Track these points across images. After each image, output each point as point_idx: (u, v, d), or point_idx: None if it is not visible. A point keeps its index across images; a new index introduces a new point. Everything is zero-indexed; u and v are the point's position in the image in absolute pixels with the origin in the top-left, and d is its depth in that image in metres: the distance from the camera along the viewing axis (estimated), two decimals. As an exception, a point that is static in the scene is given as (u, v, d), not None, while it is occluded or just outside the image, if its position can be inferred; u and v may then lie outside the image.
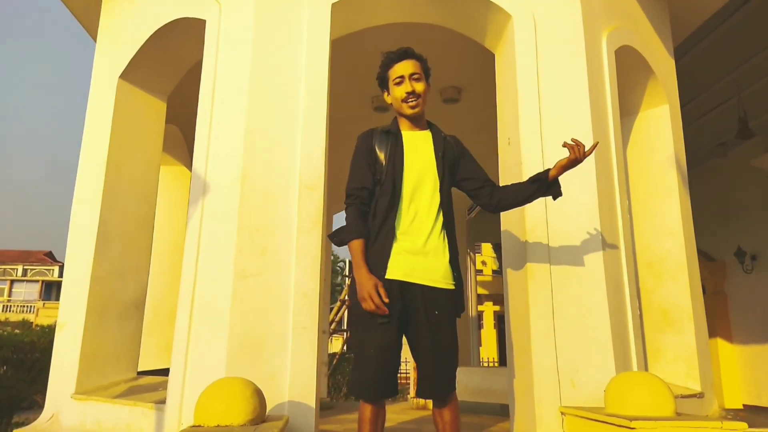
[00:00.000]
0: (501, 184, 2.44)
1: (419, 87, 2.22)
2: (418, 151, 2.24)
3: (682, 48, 4.97)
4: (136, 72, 3.73)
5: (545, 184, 2.30)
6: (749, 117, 6.39)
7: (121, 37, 3.80)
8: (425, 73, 2.26)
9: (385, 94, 2.32)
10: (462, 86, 5.31)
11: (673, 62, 4.22)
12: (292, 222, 2.70)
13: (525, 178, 2.90)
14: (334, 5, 2.99)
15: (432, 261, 2.13)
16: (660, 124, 3.95)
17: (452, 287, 2.15)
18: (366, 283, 2.03)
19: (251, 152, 2.79)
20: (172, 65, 3.80)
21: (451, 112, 5.72)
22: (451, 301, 2.15)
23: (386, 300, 2.00)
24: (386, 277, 2.08)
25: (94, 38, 4.32)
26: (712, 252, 8.32)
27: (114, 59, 3.77)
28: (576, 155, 2.19)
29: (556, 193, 2.33)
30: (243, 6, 3.01)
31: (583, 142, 2.24)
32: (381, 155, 2.20)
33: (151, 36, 3.51)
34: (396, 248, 2.12)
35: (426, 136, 2.29)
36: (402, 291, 2.08)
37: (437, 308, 2.10)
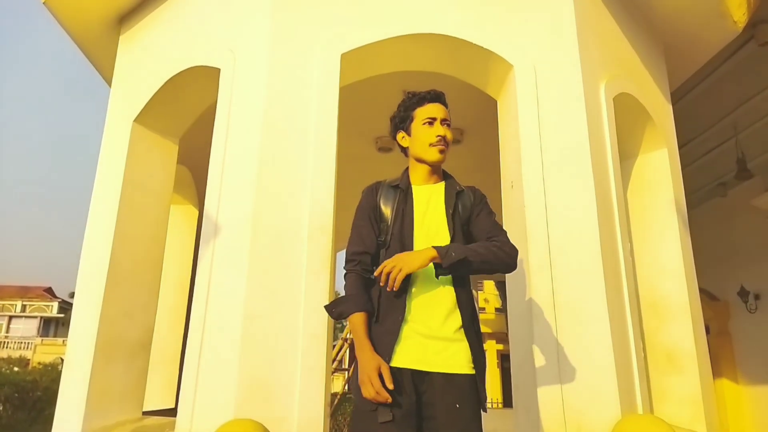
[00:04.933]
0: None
1: (450, 135, 1.96)
2: (430, 210, 1.91)
3: (679, 92, 5.10)
4: (150, 116, 3.85)
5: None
6: (747, 157, 6.49)
7: (136, 83, 3.94)
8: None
9: (401, 134, 2.01)
10: (464, 128, 5.44)
11: (670, 107, 4.34)
12: (302, 263, 2.76)
13: (528, 221, 2.98)
14: (343, 55, 3.12)
15: (452, 344, 1.76)
16: (659, 168, 4.04)
17: (473, 372, 1.76)
18: (367, 364, 1.66)
19: (262, 195, 2.86)
20: (185, 110, 3.93)
21: (453, 153, 5.82)
22: (474, 388, 1.75)
23: (390, 386, 1.62)
24: (392, 365, 1.70)
25: (109, 83, 4.47)
26: (715, 291, 8.29)
27: (129, 104, 3.90)
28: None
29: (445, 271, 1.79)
30: (256, 56, 3.14)
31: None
32: (387, 213, 1.89)
33: (165, 83, 3.64)
34: (407, 330, 1.75)
35: (439, 189, 1.96)
36: (414, 381, 1.72)
37: (458, 400, 1.70)
